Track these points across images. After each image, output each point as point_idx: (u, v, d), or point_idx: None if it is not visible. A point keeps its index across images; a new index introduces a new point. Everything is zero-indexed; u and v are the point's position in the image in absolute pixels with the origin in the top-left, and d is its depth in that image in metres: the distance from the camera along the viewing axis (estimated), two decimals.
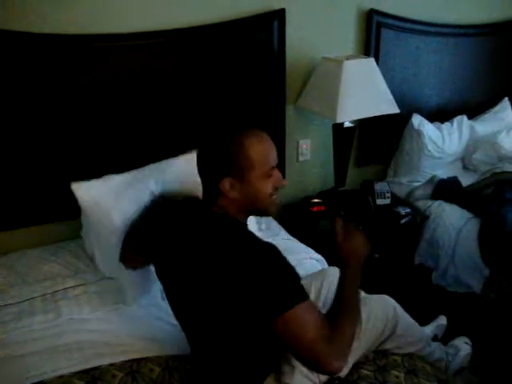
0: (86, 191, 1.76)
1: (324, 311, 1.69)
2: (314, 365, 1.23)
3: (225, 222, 1.37)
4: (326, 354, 1.18)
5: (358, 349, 1.51)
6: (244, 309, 1.26)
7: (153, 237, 1.53)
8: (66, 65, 2.00)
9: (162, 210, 1.59)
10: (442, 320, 2.22)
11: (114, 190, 1.79)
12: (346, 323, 1.26)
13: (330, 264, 2.12)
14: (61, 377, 1.51)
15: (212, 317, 1.35)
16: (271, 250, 1.28)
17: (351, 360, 1.49)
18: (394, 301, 1.67)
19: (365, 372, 1.52)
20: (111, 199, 1.76)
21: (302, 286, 1.26)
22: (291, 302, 1.21)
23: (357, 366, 1.54)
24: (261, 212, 1.48)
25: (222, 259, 1.28)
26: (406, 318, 1.66)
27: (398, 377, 1.51)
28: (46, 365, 1.56)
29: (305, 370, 1.38)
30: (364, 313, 1.54)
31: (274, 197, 1.43)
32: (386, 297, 1.68)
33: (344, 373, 1.47)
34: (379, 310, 1.58)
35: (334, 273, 1.85)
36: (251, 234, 1.36)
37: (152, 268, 1.73)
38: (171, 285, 1.49)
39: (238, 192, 1.37)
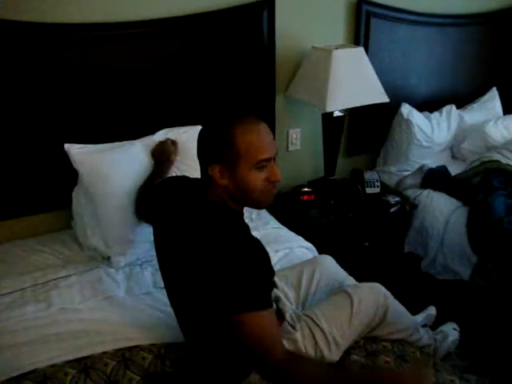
0: (79, 148, 1.96)
1: (316, 298, 1.73)
2: (256, 365, 1.27)
3: (216, 210, 1.35)
4: (269, 362, 1.22)
5: (350, 334, 1.53)
6: (211, 300, 1.28)
7: (156, 210, 1.56)
8: (66, 53, 2.01)
9: (172, 186, 1.58)
10: (432, 310, 2.25)
11: (106, 148, 2.02)
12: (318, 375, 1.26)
13: (319, 252, 2.14)
14: (53, 365, 1.51)
15: (196, 304, 1.37)
16: (254, 247, 1.28)
17: (344, 346, 1.52)
18: (384, 288, 1.69)
19: (355, 357, 1.55)
20: (103, 154, 1.98)
21: (269, 295, 1.27)
22: (253, 305, 1.22)
23: (347, 352, 1.56)
24: (252, 204, 1.42)
25: (204, 248, 1.28)
26: (396, 306, 1.68)
27: (388, 356, 1.54)
28: (38, 354, 1.56)
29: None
30: (355, 297, 1.57)
31: (272, 191, 1.38)
32: (377, 284, 1.70)
33: (335, 358, 1.49)
34: (370, 297, 1.60)
35: (326, 260, 1.88)
36: (240, 226, 1.34)
37: (138, 230, 1.92)
38: (163, 263, 1.50)
39: (227, 180, 1.33)
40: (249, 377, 1.39)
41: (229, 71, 2.38)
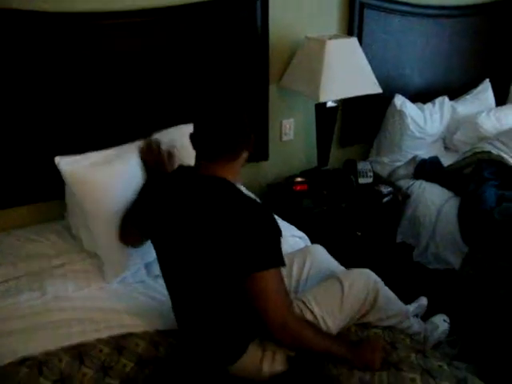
0: (70, 164, 1.80)
1: (306, 287, 1.74)
2: (266, 325, 1.34)
3: (217, 182, 1.41)
4: (278, 320, 1.32)
5: (341, 318, 1.56)
6: (224, 262, 1.34)
7: (147, 205, 1.58)
8: (59, 42, 2.00)
9: (156, 181, 1.63)
10: (423, 300, 2.27)
11: (99, 163, 1.84)
12: (313, 333, 1.42)
13: (312, 241, 2.16)
14: (48, 352, 1.53)
15: (198, 277, 1.41)
16: (260, 208, 1.36)
17: (334, 330, 1.55)
18: (374, 274, 1.71)
19: None
20: (96, 171, 1.81)
21: (280, 252, 1.35)
22: (267, 263, 1.31)
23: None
24: None
25: (211, 216, 1.35)
26: (386, 292, 1.70)
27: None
28: (33, 341, 1.58)
29: None
30: (346, 281, 1.59)
31: None
32: (367, 270, 1.72)
33: None
34: (360, 282, 1.63)
35: (317, 250, 1.90)
36: (242, 193, 1.41)
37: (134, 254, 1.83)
38: (163, 250, 1.53)
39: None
40: (236, 362, 1.45)
41: (222, 61, 2.38)
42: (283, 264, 1.35)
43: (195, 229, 1.37)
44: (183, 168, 1.58)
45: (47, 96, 2.06)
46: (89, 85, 2.12)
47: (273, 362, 1.47)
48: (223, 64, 2.39)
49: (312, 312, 1.52)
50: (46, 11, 1.94)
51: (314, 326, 1.47)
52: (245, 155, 1.48)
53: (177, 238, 1.43)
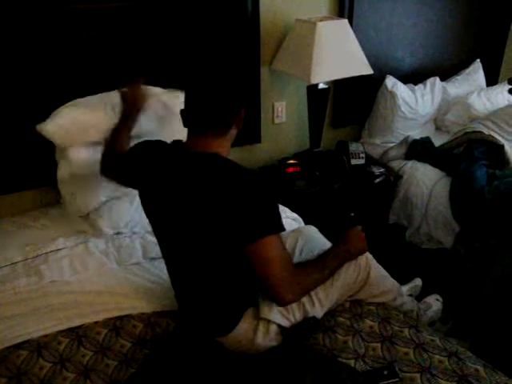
0: (52, 123, 1.89)
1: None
2: (273, 291, 1.37)
3: (209, 156, 1.42)
4: (286, 284, 1.36)
5: (333, 293, 1.58)
6: (224, 232, 1.36)
7: (139, 170, 1.57)
8: (42, 24, 1.98)
9: (151, 147, 1.61)
10: (417, 281, 2.30)
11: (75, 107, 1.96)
12: (314, 273, 1.48)
13: (306, 222, 2.18)
14: (46, 336, 1.56)
15: (195, 245, 1.43)
16: (255, 177, 1.39)
17: (326, 305, 1.57)
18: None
19: (341, 319, 1.61)
20: (72, 112, 1.93)
21: (279, 218, 1.38)
22: (267, 229, 1.34)
23: (334, 314, 1.62)
24: None
25: (208, 187, 1.36)
26: (378, 268, 1.72)
27: (372, 320, 1.60)
28: (31, 325, 1.60)
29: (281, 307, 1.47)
30: None
31: None
32: None
33: (319, 315, 1.55)
34: None
35: (309, 230, 1.91)
36: (235, 163, 1.42)
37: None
38: (157, 217, 1.54)
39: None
40: (232, 331, 1.47)
41: (213, 45, 2.37)
42: (282, 229, 1.37)
43: (193, 201, 1.39)
44: (176, 143, 1.57)
45: (43, 83, 2.06)
46: (73, 70, 2.11)
47: (266, 334, 1.48)
48: (214, 47, 2.38)
49: None
50: None
51: (309, 267, 1.50)
52: (234, 131, 1.51)
53: (174, 212, 1.45)
